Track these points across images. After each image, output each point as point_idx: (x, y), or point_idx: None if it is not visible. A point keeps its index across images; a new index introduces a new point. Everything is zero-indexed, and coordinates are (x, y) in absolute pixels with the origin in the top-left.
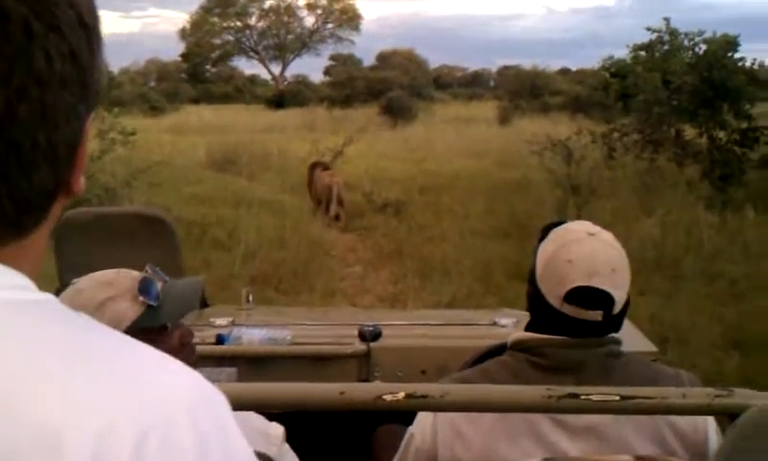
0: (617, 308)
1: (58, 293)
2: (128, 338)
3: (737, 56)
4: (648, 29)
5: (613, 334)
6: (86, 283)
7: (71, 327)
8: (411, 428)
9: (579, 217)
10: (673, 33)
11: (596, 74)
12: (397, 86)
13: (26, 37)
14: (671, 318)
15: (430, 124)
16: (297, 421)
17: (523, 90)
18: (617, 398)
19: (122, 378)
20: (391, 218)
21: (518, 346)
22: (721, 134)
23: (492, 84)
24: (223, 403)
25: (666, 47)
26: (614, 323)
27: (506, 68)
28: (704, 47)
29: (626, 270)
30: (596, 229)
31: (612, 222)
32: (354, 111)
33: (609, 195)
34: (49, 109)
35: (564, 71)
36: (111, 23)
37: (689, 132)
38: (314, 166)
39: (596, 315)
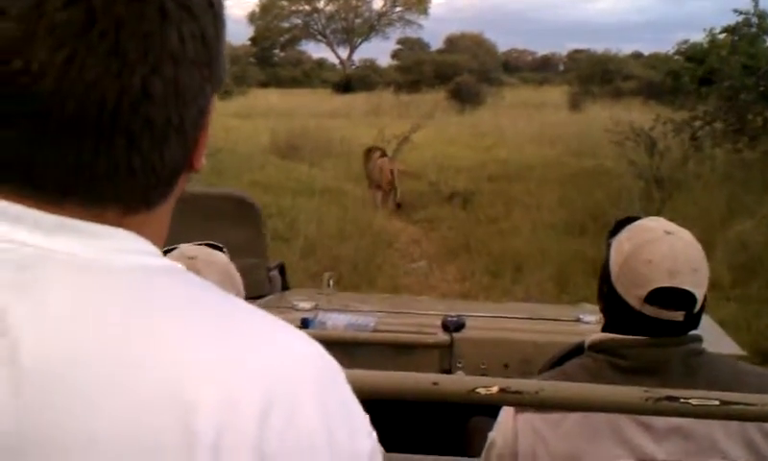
0: (697, 307)
1: None
2: (253, 307)
3: None
4: (735, 11)
5: (694, 332)
6: (196, 248)
7: (198, 293)
8: (492, 433)
9: (660, 212)
10: (761, 15)
11: (670, 59)
12: (466, 71)
13: (161, 17)
14: None
15: (499, 109)
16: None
17: (594, 75)
18: (717, 403)
19: (249, 345)
20: (458, 209)
21: (597, 347)
22: None
23: (561, 68)
24: (344, 379)
25: (753, 30)
26: (695, 321)
27: (576, 52)
28: None
29: (706, 268)
30: (673, 226)
31: (701, 219)
32: (422, 96)
33: (696, 189)
34: (181, 88)
35: (637, 55)
36: None
37: None
38: (370, 151)
39: (678, 315)
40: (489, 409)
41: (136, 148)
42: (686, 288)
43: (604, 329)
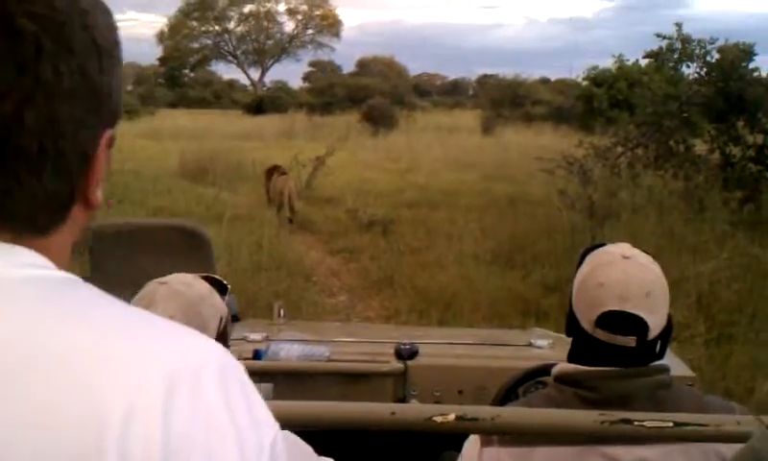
0: (652, 334)
1: None
2: (154, 315)
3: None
4: (658, 35)
5: (661, 362)
6: (189, 278)
7: (99, 299)
8: None
9: (593, 241)
10: (685, 40)
11: (578, 84)
12: (378, 93)
13: (35, 52)
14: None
15: (412, 132)
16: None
17: (505, 99)
18: (671, 424)
19: (153, 338)
20: (378, 238)
21: (564, 379)
22: (735, 150)
23: (471, 92)
24: (244, 373)
25: (676, 56)
26: (651, 349)
27: (486, 77)
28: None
29: (663, 294)
30: (633, 251)
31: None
32: (334, 119)
33: (630, 219)
34: (57, 119)
35: (545, 81)
36: None
37: (699, 147)
38: (271, 171)
39: (629, 341)
40: (460, 443)
41: (12, 173)
42: (637, 313)
43: (570, 359)
